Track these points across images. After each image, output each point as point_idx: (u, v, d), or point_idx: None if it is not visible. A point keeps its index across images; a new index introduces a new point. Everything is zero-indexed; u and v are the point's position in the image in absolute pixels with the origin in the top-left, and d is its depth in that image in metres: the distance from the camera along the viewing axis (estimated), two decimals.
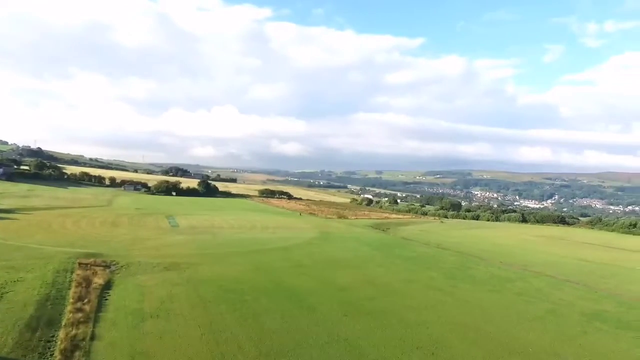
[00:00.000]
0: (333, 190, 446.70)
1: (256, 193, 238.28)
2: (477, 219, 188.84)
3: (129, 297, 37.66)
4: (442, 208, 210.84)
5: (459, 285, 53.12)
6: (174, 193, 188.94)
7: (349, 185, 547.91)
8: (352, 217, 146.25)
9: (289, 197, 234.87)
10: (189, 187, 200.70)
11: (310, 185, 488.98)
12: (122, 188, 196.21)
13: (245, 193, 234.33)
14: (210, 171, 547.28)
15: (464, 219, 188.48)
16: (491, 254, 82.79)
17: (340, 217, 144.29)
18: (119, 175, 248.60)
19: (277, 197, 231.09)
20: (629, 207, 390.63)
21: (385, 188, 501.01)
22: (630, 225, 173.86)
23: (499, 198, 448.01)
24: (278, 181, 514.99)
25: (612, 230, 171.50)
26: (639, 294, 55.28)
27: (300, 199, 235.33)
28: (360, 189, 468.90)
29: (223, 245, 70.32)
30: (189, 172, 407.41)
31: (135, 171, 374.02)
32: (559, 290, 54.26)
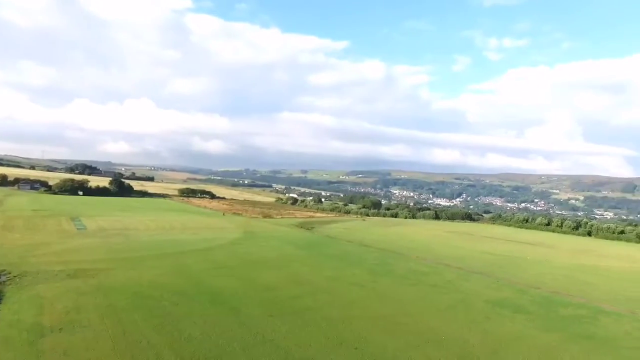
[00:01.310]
0: (258, 189, 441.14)
1: (176, 192, 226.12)
2: (396, 217, 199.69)
3: (24, 311, 33.17)
4: (364, 207, 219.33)
5: (380, 280, 55.50)
6: (80, 193, 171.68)
7: (274, 185, 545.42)
8: (278, 217, 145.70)
9: (212, 196, 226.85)
10: (98, 186, 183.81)
11: (235, 185, 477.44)
12: (16, 187, 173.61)
13: (164, 192, 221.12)
14: (123, 169, 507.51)
15: (384, 216, 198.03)
16: (409, 249, 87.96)
17: (265, 216, 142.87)
18: (11, 172, 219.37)
19: (199, 197, 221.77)
20: (523, 205, 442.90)
21: (310, 187, 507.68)
22: (523, 220, 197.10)
23: (415, 197, 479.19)
24: (200, 180, 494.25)
25: (509, 225, 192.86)
26: (530, 281, 62.62)
27: (223, 198, 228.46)
28: (286, 188, 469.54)
29: (138, 248, 65.42)
30: (98, 169, 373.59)
31: (33, 168, 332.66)
32: (467, 281, 59.33)
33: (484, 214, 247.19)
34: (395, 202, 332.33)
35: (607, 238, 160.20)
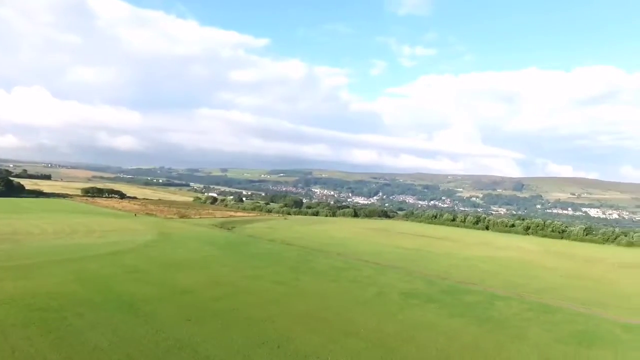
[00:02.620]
0: (174, 188, 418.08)
1: (79, 192, 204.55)
2: (317, 215, 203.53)
3: None
4: (285, 205, 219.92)
5: (302, 277, 56.05)
6: None
7: (192, 184, 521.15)
8: (196, 217, 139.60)
9: (122, 196, 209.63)
10: None
11: (148, 183, 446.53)
12: None
13: (64, 192, 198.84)
14: (12, 165, 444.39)
15: (305, 215, 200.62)
16: (329, 246, 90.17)
17: (182, 216, 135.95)
18: None
19: (106, 197, 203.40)
20: (432, 202, 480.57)
21: (230, 186, 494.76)
22: (432, 217, 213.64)
23: (335, 195, 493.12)
24: (108, 178, 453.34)
25: (421, 222, 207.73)
26: (439, 272, 68.12)
27: (135, 198, 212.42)
28: (205, 187, 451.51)
29: (32, 254, 57.91)
30: None
31: None
32: (384, 275, 62.56)
33: (398, 211, 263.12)
34: (317, 200, 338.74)
35: (501, 231, 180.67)
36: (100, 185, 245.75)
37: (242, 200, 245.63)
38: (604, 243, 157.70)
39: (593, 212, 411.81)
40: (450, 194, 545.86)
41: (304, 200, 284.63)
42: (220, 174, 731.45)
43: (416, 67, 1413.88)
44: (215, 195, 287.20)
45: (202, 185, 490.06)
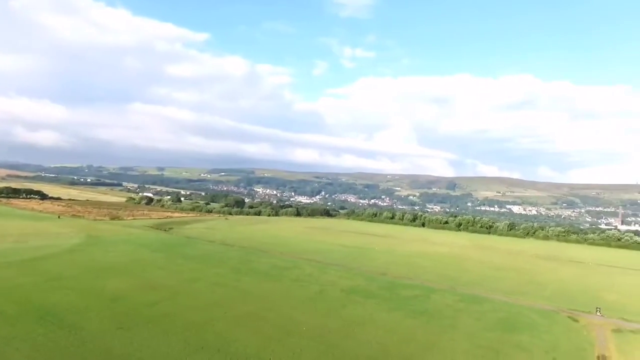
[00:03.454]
0: (104, 188, 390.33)
1: None
2: (260, 215, 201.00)
3: None
4: (227, 205, 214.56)
5: (243, 278, 54.98)
6: None
7: (124, 183, 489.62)
8: (129, 218, 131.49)
9: (43, 196, 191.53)
10: None
11: (74, 183, 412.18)
12: None
13: None
14: None
15: (247, 215, 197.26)
16: (272, 246, 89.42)
17: (113, 218, 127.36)
18: None
19: (24, 197, 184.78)
20: (372, 201, 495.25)
21: (167, 186, 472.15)
22: (372, 215, 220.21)
23: (278, 195, 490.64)
24: (27, 178, 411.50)
25: (362, 220, 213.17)
26: (379, 269, 70.29)
27: (59, 199, 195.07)
28: (139, 187, 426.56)
29: None
30: None
31: None
32: (326, 273, 63.26)
33: (340, 210, 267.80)
34: (259, 200, 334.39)
35: (436, 228, 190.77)
36: (16, 185, 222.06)
37: (180, 201, 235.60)
38: (524, 237, 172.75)
39: (516, 209, 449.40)
40: (389, 192, 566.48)
41: (246, 200, 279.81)
42: (156, 173, 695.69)
43: (356, 68, 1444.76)
44: (150, 195, 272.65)
45: (136, 185, 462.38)
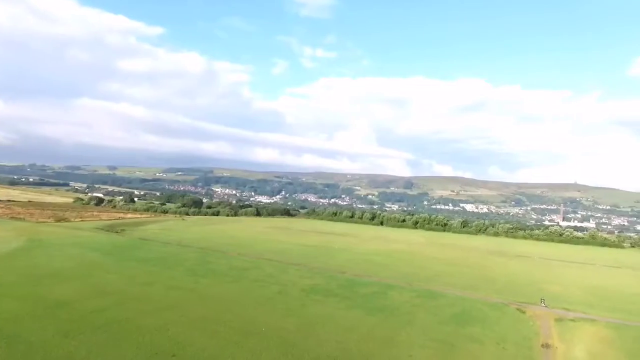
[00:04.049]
0: (49, 188, 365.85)
1: None
2: (218, 215, 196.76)
3: None
4: (183, 205, 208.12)
5: (201, 280, 53.44)
6: None
7: (72, 183, 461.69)
8: (76, 220, 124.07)
9: None
10: None
11: (14, 183, 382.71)
12: None
13: None
14: None
15: (205, 215, 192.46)
16: (231, 246, 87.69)
17: (59, 220, 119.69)
18: None
19: None
20: (332, 200, 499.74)
21: (120, 186, 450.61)
22: (333, 214, 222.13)
23: (238, 194, 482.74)
24: None
25: (322, 219, 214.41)
26: (338, 267, 70.84)
27: None
28: (88, 187, 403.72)
29: None
30: None
31: None
32: (285, 272, 62.86)
33: (300, 210, 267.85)
34: (218, 200, 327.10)
35: (394, 226, 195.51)
36: None
37: (133, 201, 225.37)
38: (477, 234, 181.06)
39: (469, 207, 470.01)
40: (349, 192, 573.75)
41: (205, 200, 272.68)
42: (107, 172, 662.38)
43: (317, 68, 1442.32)
44: (101, 195, 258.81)
45: (85, 185, 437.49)
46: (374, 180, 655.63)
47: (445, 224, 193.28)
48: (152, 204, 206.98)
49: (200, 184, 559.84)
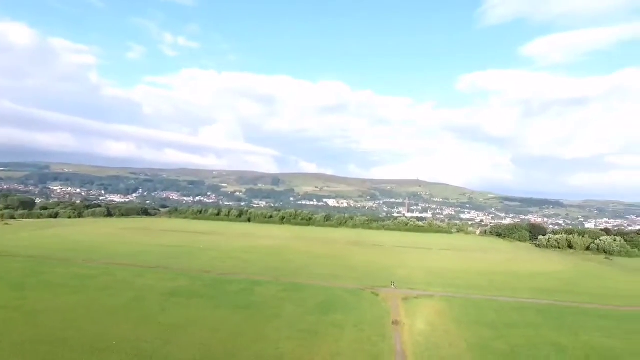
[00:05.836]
0: None
1: None
2: (56, 217, 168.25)
3: None
4: (7, 207, 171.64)
5: (30, 295, 44.53)
6: None
7: None
8: None
9: None
10: None
11: None
12: None
13: None
14: None
15: (39, 218, 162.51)
16: (73, 252, 75.61)
17: None
18: None
19: None
20: (198, 198, 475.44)
21: None
22: (198, 212, 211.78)
23: (84, 193, 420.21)
24: None
25: (186, 218, 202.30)
26: (203, 267, 67.48)
27: None
28: None
29: None
30: None
31: None
32: (142, 277, 56.96)
33: (161, 209, 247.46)
34: (57, 200, 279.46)
35: (261, 222, 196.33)
36: None
37: None
38: (338, 227, 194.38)
39: (331, 202, 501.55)
40: (215, 189, 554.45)
41: (38, 201, 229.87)
42: None
43: (180, 58, 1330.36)
44: None
45: None
46: (241, 177, 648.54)
47: (310, 219, 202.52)
48: None
49: (32, 182, 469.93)
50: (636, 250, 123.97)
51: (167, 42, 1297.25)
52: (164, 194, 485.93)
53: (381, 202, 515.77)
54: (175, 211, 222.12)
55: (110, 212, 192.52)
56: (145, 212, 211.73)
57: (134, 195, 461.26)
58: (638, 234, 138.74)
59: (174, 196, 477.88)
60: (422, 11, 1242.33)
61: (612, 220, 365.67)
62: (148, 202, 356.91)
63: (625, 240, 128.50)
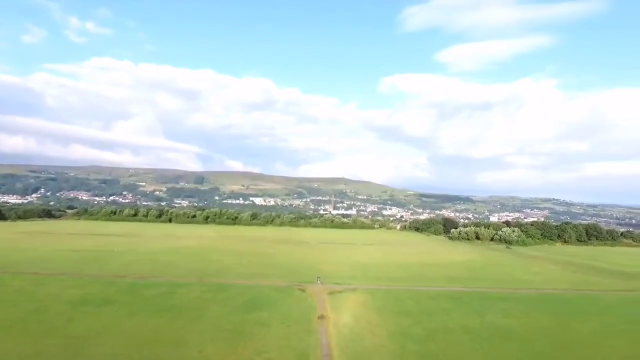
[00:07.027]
0: None
1: None
2: None
3: None
4: None
5: None
6: None
7: None
8: None
9: None
10: None
11: None
12: None
13: None
14: None
15: None
16: None
17: None
18: None
19: None
20: (111, 198, 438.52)
21: None
22: (111, 213, 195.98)
23: None
24: None
25: (97, 219, 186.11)
26: (118, 271, 62.56)
27: None
28: None
29: None
30: None
31: None
32: (45, 285, 51.13)
33: (67, 210, 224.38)
34: None
35: (183, 222, 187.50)
36: None
37: None
38: (265, 225, 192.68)
39: (258, 201, 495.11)
40: (132, 188, 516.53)
41: None
42: None
43: (88, 45, 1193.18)
44: None
45: None
46: (161, 175, 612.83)
47: (236, 217, 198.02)
48: None
49: None
50: (530, 239, 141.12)
51: (72, 27, 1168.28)
52: (71, 194, 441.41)
53: (308, 200, 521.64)
54: (84, 212, 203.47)
55: (3, 214, 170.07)
56: (48, 214, 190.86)
57: (34, 195, 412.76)
58: (532, 225, 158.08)
59: (84, 196, 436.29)
60: (345, 11, 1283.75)
61: (512, 214, 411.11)
62: (52, 202, 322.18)
63: (522, 231, 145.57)
